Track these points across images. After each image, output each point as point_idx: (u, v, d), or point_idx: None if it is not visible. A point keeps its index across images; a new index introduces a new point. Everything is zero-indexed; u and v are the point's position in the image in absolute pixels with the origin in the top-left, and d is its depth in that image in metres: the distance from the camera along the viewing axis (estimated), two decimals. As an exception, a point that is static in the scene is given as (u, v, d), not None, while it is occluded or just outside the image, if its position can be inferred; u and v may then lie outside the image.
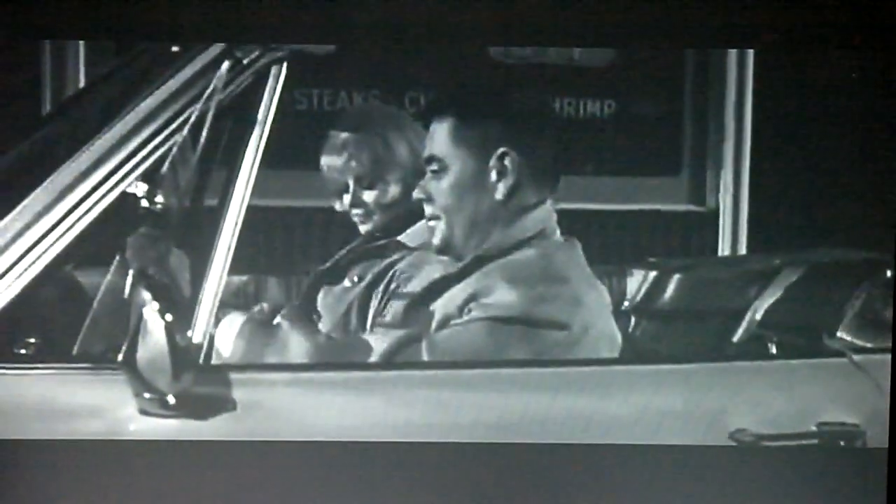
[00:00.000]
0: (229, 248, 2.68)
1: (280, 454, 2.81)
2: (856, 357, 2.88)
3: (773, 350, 3.08)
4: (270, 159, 2.80)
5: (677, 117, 3.51)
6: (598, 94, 3.46)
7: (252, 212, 2.75)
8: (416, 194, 2.92)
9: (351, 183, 3.04)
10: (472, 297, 2.81)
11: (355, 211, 3.06)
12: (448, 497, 2.92)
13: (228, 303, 2.91)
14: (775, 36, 3.07)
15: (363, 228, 3.07)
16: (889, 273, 3.01)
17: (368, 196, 3.03)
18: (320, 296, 3.05)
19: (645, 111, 3.49)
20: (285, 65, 2.74)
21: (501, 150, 2.85)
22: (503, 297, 2.79)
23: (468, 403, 2.80)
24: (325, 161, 3.06)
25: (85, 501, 2.84)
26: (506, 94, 3.12)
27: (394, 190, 3.03)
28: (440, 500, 2.92)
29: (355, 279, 3.02)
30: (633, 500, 2.94)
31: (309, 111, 3.36)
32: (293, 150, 3.08)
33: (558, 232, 2.92)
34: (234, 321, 2.88)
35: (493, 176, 2.86)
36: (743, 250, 3.49)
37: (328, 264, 3.09)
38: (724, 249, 3.50)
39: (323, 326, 3.00)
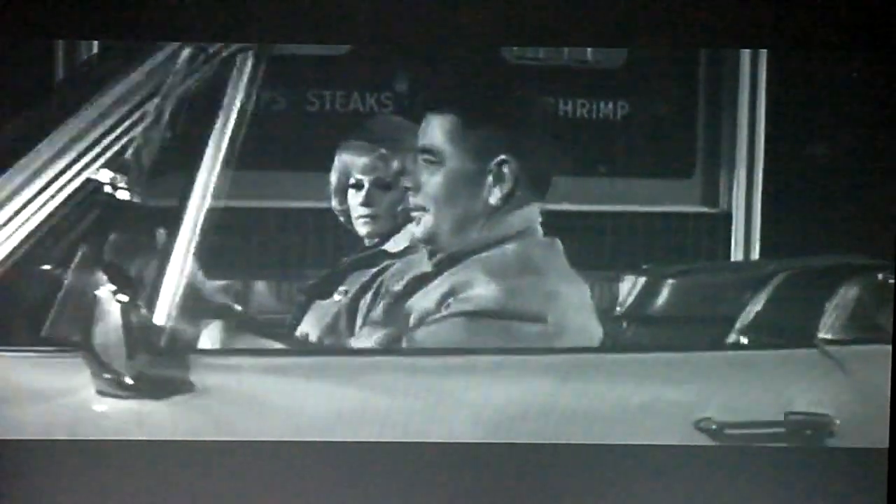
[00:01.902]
0: (194, 229, 2.71)
1: (266, 451, 2.87)
2: (827, 347, 2.83)
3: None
4: (276, 161, 2.84)
5: (690, 119, 3.48)
6: (611, 96, 3.45)
7: (249, 213, 2.79)
8: (405, 182, 2.93)
9: (367, 182, 3.04)
10: (451, 293, 2.84)
11: (363, 210, 3.05)
12: (432, 495, 2.93)
13: (220, 309, 2.95)
14: (789, 36, 3.04)
15: (364, 230, 3.06)
16: (880, 276, 2.95)
17: (386, 196, 3.03)
18: (309, 313, 3.07)
19: (658, 113, 3.47)
20: (251, 54, 2.78)
21: (502, 157, 2.85)
22: (479, 290, 2.81)
23: (444, 393, 2.82)
24: (346, 157, 3.07)
25: (84, 501, 2.91)
26: (506, 95, 3.13)
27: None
28: (424, 499, 2.93)
29: (344, 291, 3.04)
30: (633, 500, 2.92)
31: (321, 112, 3.41)
32: (301, 151, 3.12)
33: (541, 231, 2.92)
34: (215, 330, 2.92)
35: (490, 180, 2.87)
36: (756, 252, 3.44)
37: (315, 281, 3.11)
38: (736, 251, 3.46)
39: (312, 338, 3.02)
